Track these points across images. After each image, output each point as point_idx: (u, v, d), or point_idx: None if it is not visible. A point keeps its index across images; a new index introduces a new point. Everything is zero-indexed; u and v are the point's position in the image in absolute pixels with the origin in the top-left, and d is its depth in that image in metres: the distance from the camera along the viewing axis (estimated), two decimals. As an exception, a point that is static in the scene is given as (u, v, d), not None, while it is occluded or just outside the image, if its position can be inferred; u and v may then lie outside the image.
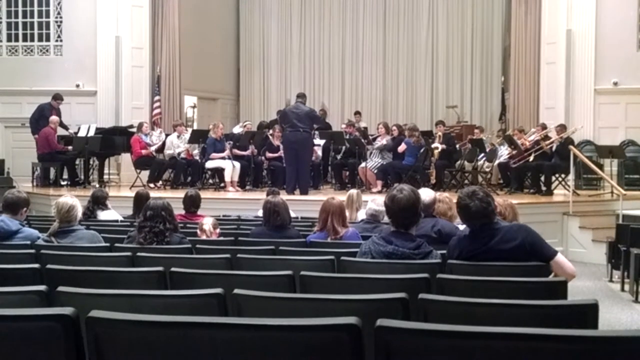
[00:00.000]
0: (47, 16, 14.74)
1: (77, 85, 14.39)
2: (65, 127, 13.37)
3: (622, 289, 7.81)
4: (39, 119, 12.93)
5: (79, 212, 5.10)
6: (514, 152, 11.57)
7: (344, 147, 12.68)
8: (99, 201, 7.43)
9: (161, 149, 12.92)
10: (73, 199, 5.02)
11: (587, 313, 2.48)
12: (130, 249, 4.58)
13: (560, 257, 3.73)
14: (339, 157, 12.88)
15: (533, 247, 3.69)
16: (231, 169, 11.87)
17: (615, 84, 13.01)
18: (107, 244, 4.93)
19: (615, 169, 12.41)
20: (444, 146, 12.02)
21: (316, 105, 16.50)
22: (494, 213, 3.83)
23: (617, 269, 8.21)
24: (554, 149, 11.23)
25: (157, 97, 14.74)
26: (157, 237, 4.79)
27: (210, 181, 12.87)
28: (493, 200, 3.88)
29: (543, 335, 1.76)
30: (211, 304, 2.59)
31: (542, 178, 11.34)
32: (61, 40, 14.69)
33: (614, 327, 5.98)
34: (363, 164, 11.93)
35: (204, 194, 8.21)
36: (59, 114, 13.17)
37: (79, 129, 13.20)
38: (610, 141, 12.52)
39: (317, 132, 12.82)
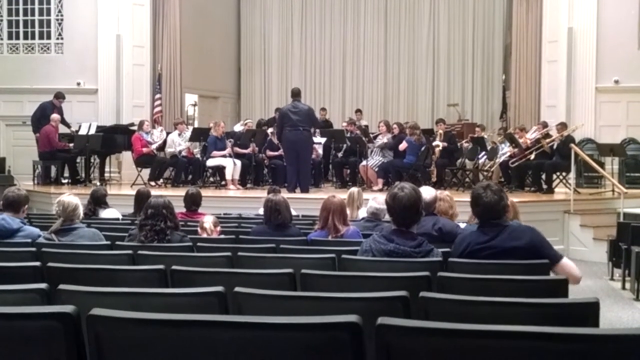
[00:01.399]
0: (48, 14, 14.73)
1: (78, 84, 14.39)
2: (68, 125, 13.38)
3: (623, 288, 7.81)
4: (41, 118, 12.91)
5: (81, 211, 5.12)
6: (515, 150, 11.56)
7: (344, 146, 12.68)
8: (100, 200, 7.43)
9: (162, 147, 12.91)
10: (76, 198, 5.04)
11: (588, 311, 2.48)
12: (131, 247, 4.58)
13: (566, 262, 3.75)
14: (339, 155, 12.87)
15: (539, 250, 3.71)
16: (232, 167, 11.88)
17: (617, 82, 13.00)
18: (108, 242, 4.93)
19: (616, 167, 12.39)
20: (445, 144, 12.01)
21: (317, 104, 16.52)
22: (505, 209, 3.85)
23: (618, 267, 8.20)
24: (554, 147, 11.22)
25: (158, 96, 14.74)
26: (158, 235, 4.79)
27: (211, 179, 12.87)
28: (506, 197, 3.89)
29: (544, 334, 1.75)
30: (212, 303, 2.59)
31: (543, 176, 11.34)
32: (62, 39, 14.69)
33: (615, 326, 5.98)
34: (364, 162, 11.93)
35: (204, 192, 8.21)
36: (60, 113, 13.16)
37: (80, 127, 13.20)
38: (611, 139, 12.51)
39: (317, 130, 12.82)
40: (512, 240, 3.70)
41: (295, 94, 11.16)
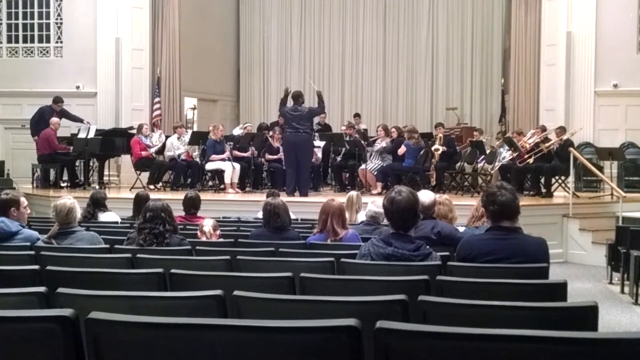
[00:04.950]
0: (47, 18, 14.75)
1: (77, 87, 14.40)
2: (80, 120, 13.32)
3: (622, 291, 7.81)
4: (39, 121, 12.92)
5: (78, 212, 5.08)
6: (515, 154, 11.57)
7: (343, 149, 12.68)
8: (99, 203, 7.43)
9: (161, 150, 12.92)
10: (71, 200, 5.01)
11: (587, 315, 2.48)
12: (130, 250, 4.58)
13: None
14: (338, 158, 12.87)
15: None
16: (231, 171, 11.87)
17: (615, 86, 13.01)
18: (107, 246, 4.93)
19: (615, 171, 12.40)
20: (444, 148, 12.02)
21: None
22: (518, 211, 3.85)
23: (616, 271, 8.20)
24: (553, 151, 11.23)
25: (157, 99, 14.74)
26: (157, 238, 4.78)
27: (210, 183, 12.87)
28: (519, 199, 3.90)
29: (543, 337, 1.76)
30: (211, 306, 2.59)
31: (542, 180, 11.34)
32: (61, 42, 14.70)
33: (613, 329, 5.98)
34: (363, 166, 11.93)
35: (203, 196, 8.21)
36: (65, 113, 13.20)
37: (79, 130, 13.22)
38: (610, 143, 12.53)
39: (317, 134, 12.82)
40: (520, 252, 3.71)
41: (295, 97, 11.12)
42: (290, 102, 11.21)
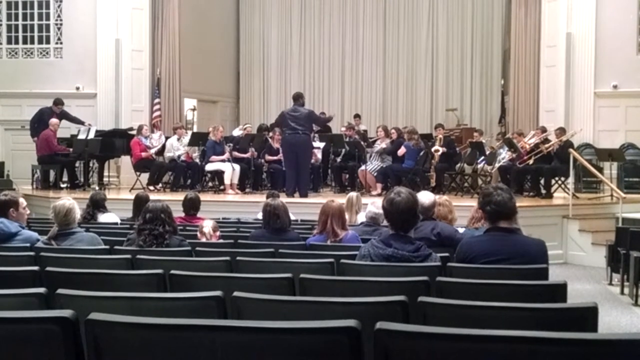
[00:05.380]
0: (47, 19, 14.76)
1: (77, 88, 14.40)
2: (81, 122, 13.32)
3: (622, 292, 7.81)
4: (39, 122, 12.92)
5: (77, 213, 5.08)
6: (514, 155, 11.58)
7: (343, 150, 12.68)
8: (99, 204, 7.43)
9: (161, 151, 12.91)
10: (70, 201, 5.00)
11: (587, 316, 2.48)
12: (129, 251, 4.58)
13: None
14: (338, 159, 12.87)
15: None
16: (231, 172, 11.87)
17: (615, 87, 13.01)
18: (107, 247, 4.92)
19: (615, 172, 12.41)
20: (444, 149, 12.03)
21: (316, 108, 16.50)
22: (514, 210, 3.83)
23: (616, 272, 8.20)
24: (553, 152, 11.23)
25: (157, 100, 14.74)
26: (157, 239, 4.77)
27: (210, 184, 12.86)
28: (515, 199, 3.89)
29: (542, 338, 1.76)
30: (211, 307, 2.59)
31: (542, 181, 11.34)
32: (61, 43, 14.70)
33: (613, 330, 5.98)
34: (363, 167, 11.93)
35: (203, 197, 8.22)
36: (65, 115, 13.19)
37: (78, 131, 13.22)
38: (610, 144, 12.53)
39: (317, 135, 12.82)
40: (520, 253, 3.70)
41: (295, 98, 11.14)
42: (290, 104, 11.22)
